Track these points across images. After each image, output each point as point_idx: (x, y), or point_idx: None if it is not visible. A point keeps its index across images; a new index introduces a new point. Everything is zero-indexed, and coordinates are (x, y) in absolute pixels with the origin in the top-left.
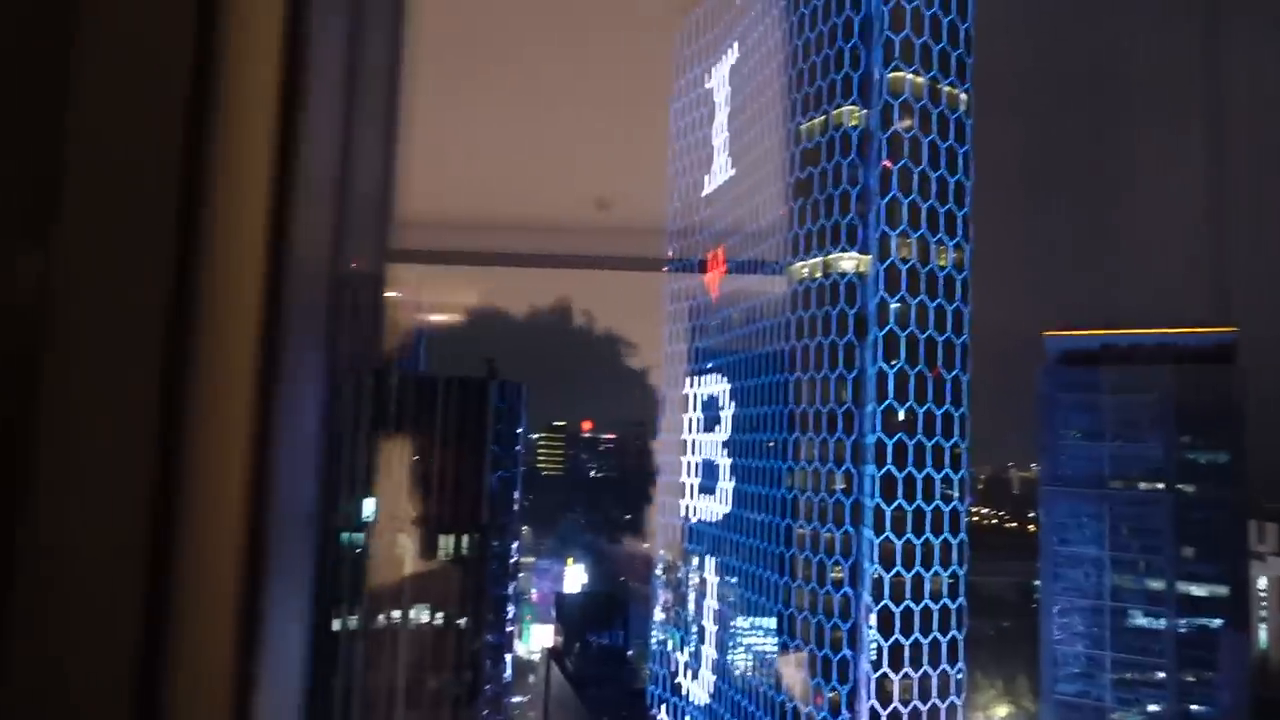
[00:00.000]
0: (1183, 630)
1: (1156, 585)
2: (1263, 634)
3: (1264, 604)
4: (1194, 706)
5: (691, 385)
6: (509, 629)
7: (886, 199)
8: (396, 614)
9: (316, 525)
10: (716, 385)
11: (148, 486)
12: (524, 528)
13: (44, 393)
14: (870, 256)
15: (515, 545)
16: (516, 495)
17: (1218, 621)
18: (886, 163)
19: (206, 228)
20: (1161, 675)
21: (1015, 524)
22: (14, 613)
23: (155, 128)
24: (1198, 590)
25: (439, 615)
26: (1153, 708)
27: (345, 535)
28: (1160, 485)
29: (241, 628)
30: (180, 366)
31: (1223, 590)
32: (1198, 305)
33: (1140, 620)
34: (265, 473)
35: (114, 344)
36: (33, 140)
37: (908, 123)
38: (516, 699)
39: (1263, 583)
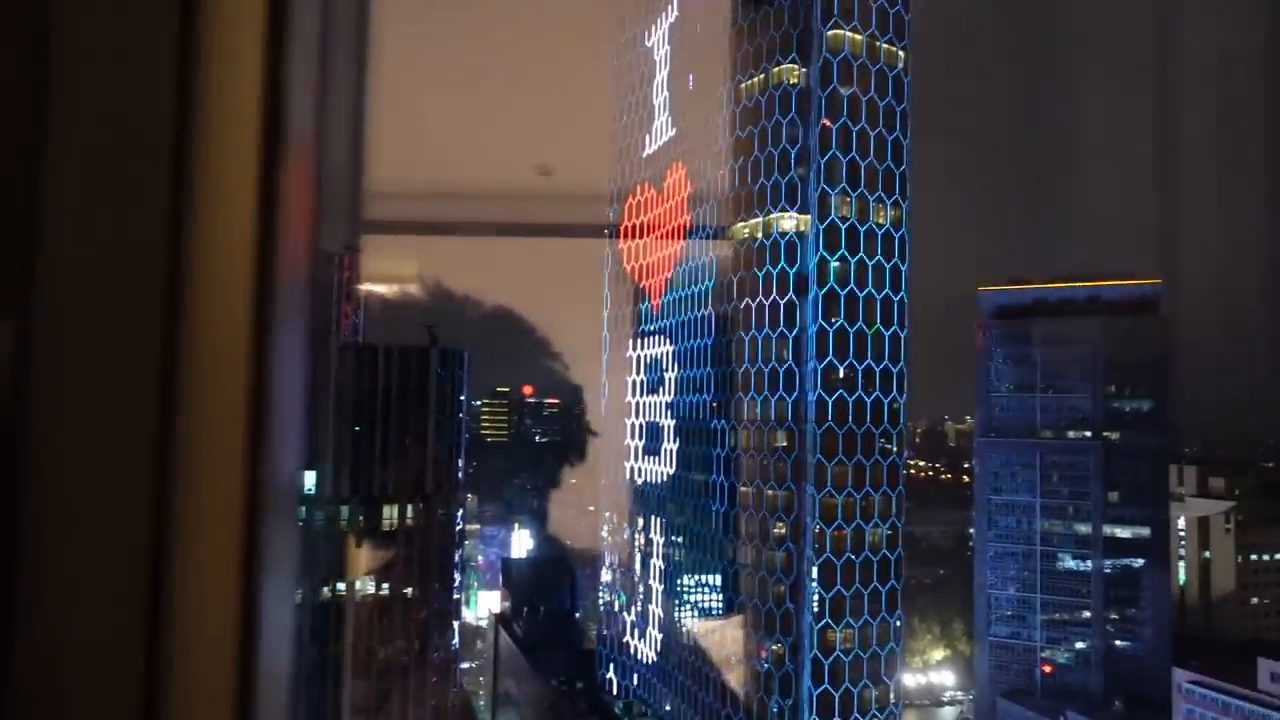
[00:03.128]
0: (1108, 571)
1: (1084, 529)
2: (1182, 571)
3: (1183, 543)
4: (1118, 642)
5: (635, 348)
6: (456, 596)
7: (826, 157)
8: (341, 586)
9: (299, 503)
10: (659, 347)
11: (147, 473)
12: (469, 495)
13: (35, 381)
14: (810, 215)
15: (460, 513)
16: (461, 463)
17: (1140, 561)
18: (826, 121)
19: (196, 204)
20: (1088, 615)
21: (951, 475)
22: (16, 611)
23: (143, 95)
24: (1122, 532)
25: (384, 585)
26: (1080, 645)
27: None
28: (1088, 433)
29: (242, 610)
30: (173, 351)
31: (1145, 532)
32: (1127, 258)
33: (1069, 563)
34: (260, 456)
35: (107, 328)
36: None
37: (847, 81)
38: (465, 665)
39: (1182, 523)
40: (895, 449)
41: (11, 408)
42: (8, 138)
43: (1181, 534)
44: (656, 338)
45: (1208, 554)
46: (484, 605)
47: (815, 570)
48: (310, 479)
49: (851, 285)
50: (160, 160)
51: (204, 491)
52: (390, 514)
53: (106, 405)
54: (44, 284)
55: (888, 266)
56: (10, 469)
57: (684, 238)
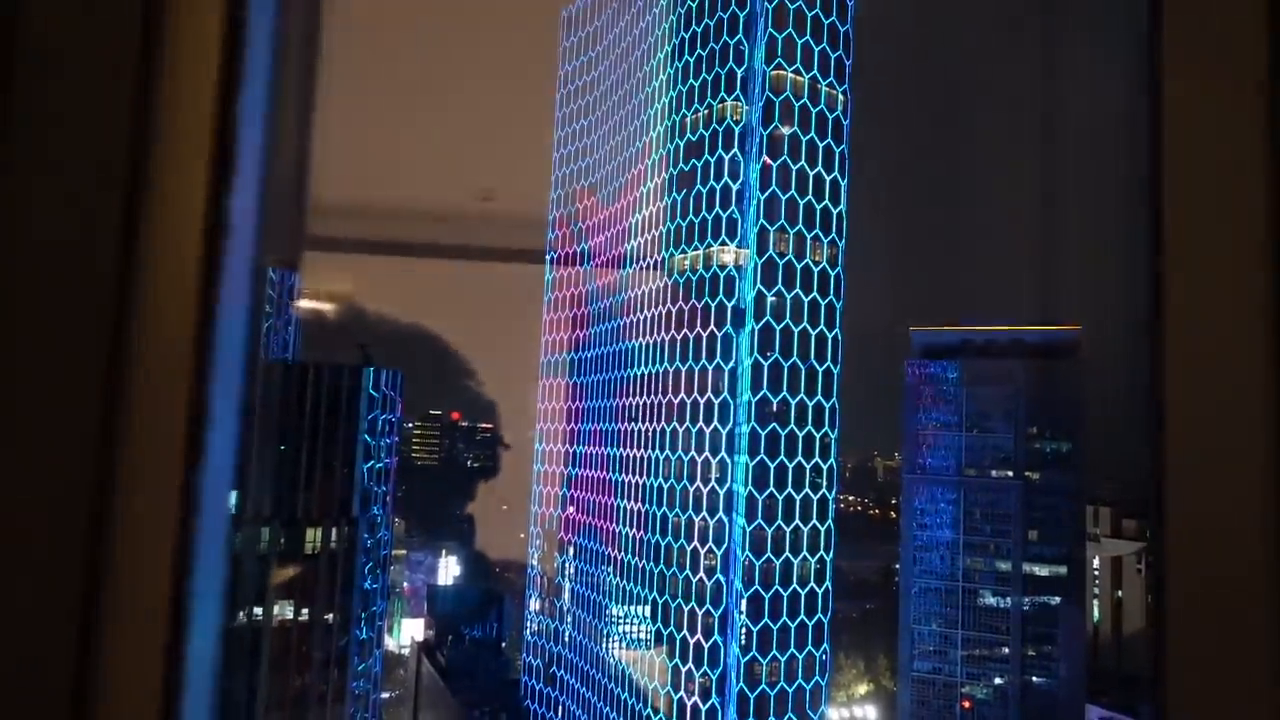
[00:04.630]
0: (1026, 608)
1: (1004, 566)
2: (1096, 609)
3: (1098, 581)
4: (1035, 678)
5: (570, 375)
6: (379, 623)
7: (766, 194)
8: (259, 611)
9: (230, 524)
10: (594, 375)
11: (86, 487)
12: (397, 519)
13: None
14: (749, 250)
15: (387, 537)
16: (389, 486)
17: (1057, 599)
18: (767, 159)
19: (148, 219)
20: (1006, 650)
21: (879, 511)
22: None
23: (103, 109)
24: (1040, 570)
25: (304, 611)
26: (998, 680)
27: None
28: (1010, 473)
29: (170, 631)
30: (120, 366)
31: (1062, 570)
32: (1044, 304)
33: (990, 599)
34: (194, 474)
35: (56, 337)
36: None
37: (788, 120)
38: (385, 695)
39: (1097, 562)
40: (825, 483)
41: None
42: None
43: (1096, 572)
44: (592, 365)
45: (1120, 593)
46: (407, 633)
47: (744, 602)
48: (231, 499)
49: (787, 320)
50: (115, 183)
51: (140, 509)
52: (313, 537)
53: (50, 418)
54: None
55: (823, 303)
56: None
57: (621, 267)
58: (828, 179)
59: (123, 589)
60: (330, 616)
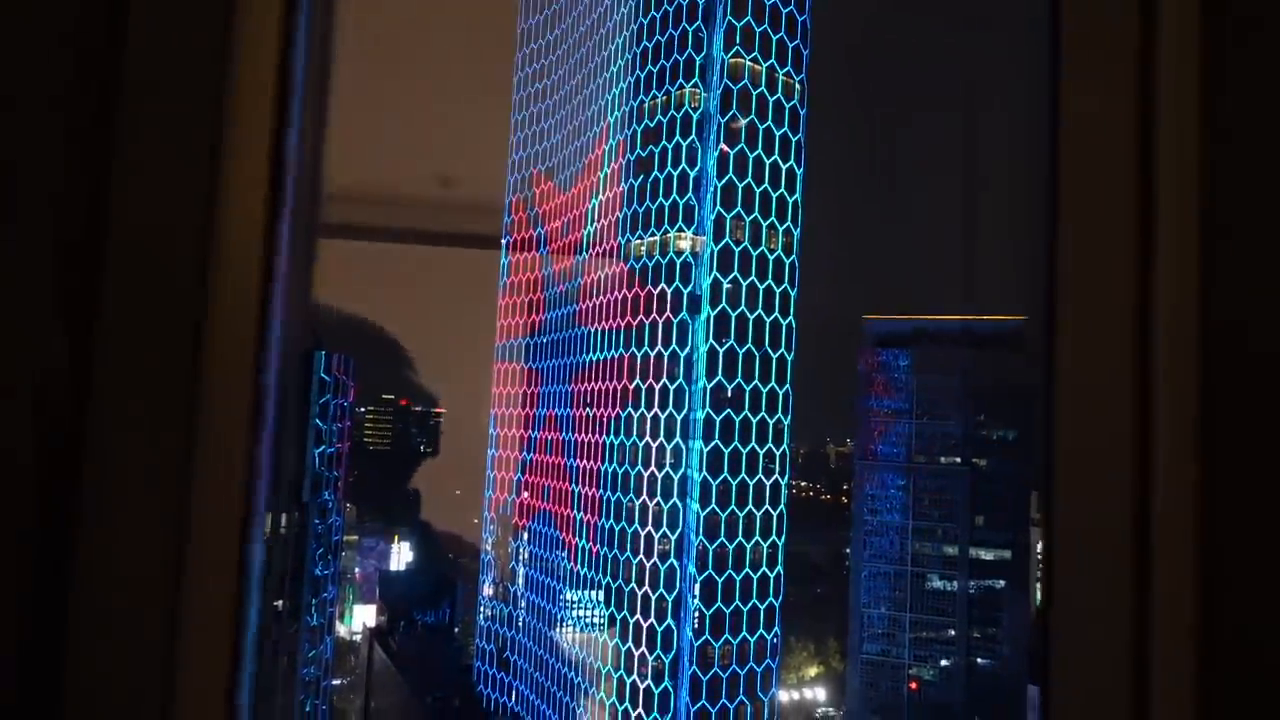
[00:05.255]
0: (972, 591)
1: (951, 551)
2: (1038, 593)
3: (1040, 566)
4: (979, 660)
5: (526, 360)
6: (330, 610)
7: (723, 181)
8: None
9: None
10: (550, 360)
11: (174, 503)
12: (348, 505)
13: (96, 393)
14: (705, 237)
15: (338, 523)
16: (341, 471)
17: (1002, 583)
18: (724, 146)
19: (219, 228)
20: (953, 633)
21: (830, 496)
22: (72, 626)
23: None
24: (986, 555)
25: None
26: (944, 662)
27: None
28: (958, 459)
29: (234, 641)
30: (198, 372)
31: (1006, 554)
32: (992, 294)
33: (937, 583)
34: (254, 475)
35: (149, 343)
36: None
37: (745, 108)
38: (337, 681)
39: (1040, 547)
40: (778, 469)
41: (70, 420)
42: (77, 153)
43: (1039, 557)
44: (547, 350)
45: None
46: (359, 619)
47: (697, 586)
48: None
49: (742, 307)
50: (199, 191)
51: (213, 504)
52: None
53: (146, 422)
54: (106, 300)
55: (778, 291)
56: (71, 477)
57: (578, 252)
58: (784, 167)
59: (205, 569)
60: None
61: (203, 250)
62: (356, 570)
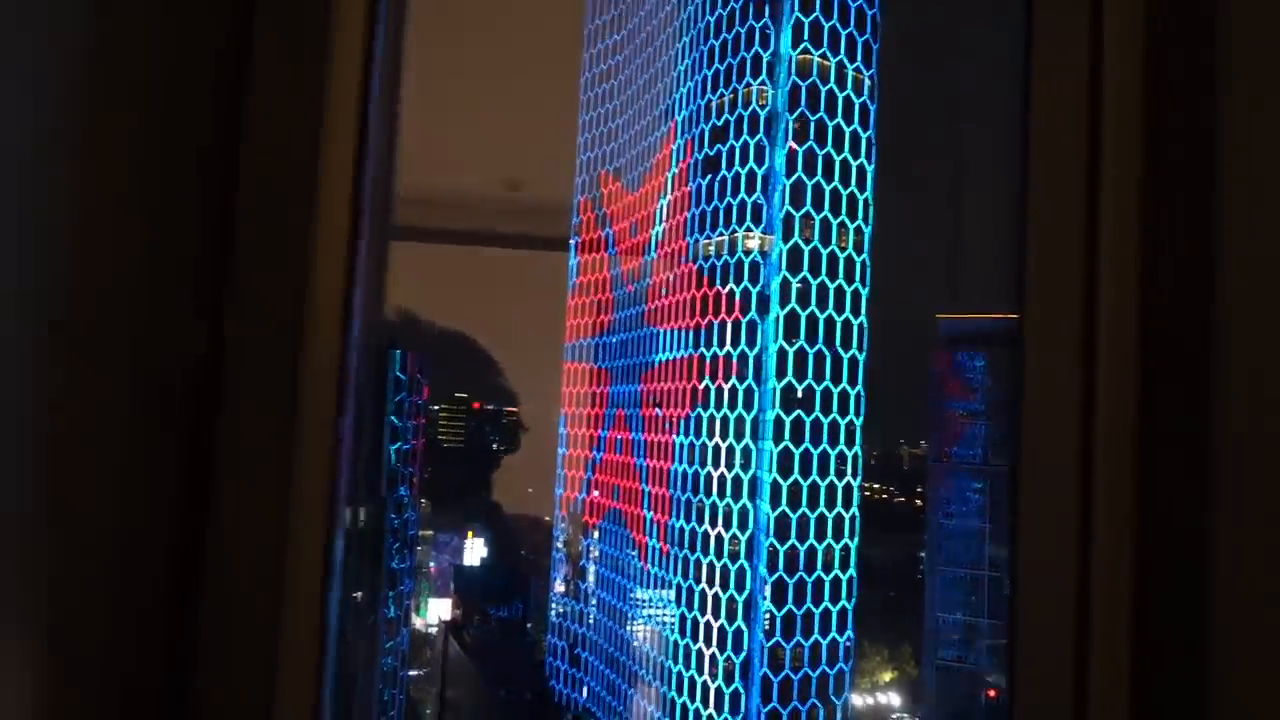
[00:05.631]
0: None
1: None
2: None
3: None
4: None
5: (595, 360)
6: (407, 603)
7: (791, 180)
8: None
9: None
10: (618, 360)
11: (284, 496)
12: (424, 501)
13: (226, 381)
14: (774, 236)
15: (414, 518)
16: (416, 468)
17: None
18: (792, 144)
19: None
20: None
21: (905, 499)
22: (205, 608)
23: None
24: None
25: None
26: None
27: None
28: None
29: (321, 622)
30: (296, 379)
31: None
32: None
33: None
34: (336, 471)
35: (276, 331)
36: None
37: (814, 105)
38: (413, 672)
39: None
40: (850, 470)
41: (205, 406)
42: (203, 141)
43: None
44: (616, 350)
45: None
46: (434, 613)
47: (768, 588)
48: None
49: (812, 307)
50: (303, 201)
51: (302, 496)
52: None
53: (261, 419)
54: (236, 287)
55: (848, 290)
56: (204, 466)
57: (645, 253)
58: (854, 164)
59: (299, 560)
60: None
61: (302, 253)
62: (432, 565)
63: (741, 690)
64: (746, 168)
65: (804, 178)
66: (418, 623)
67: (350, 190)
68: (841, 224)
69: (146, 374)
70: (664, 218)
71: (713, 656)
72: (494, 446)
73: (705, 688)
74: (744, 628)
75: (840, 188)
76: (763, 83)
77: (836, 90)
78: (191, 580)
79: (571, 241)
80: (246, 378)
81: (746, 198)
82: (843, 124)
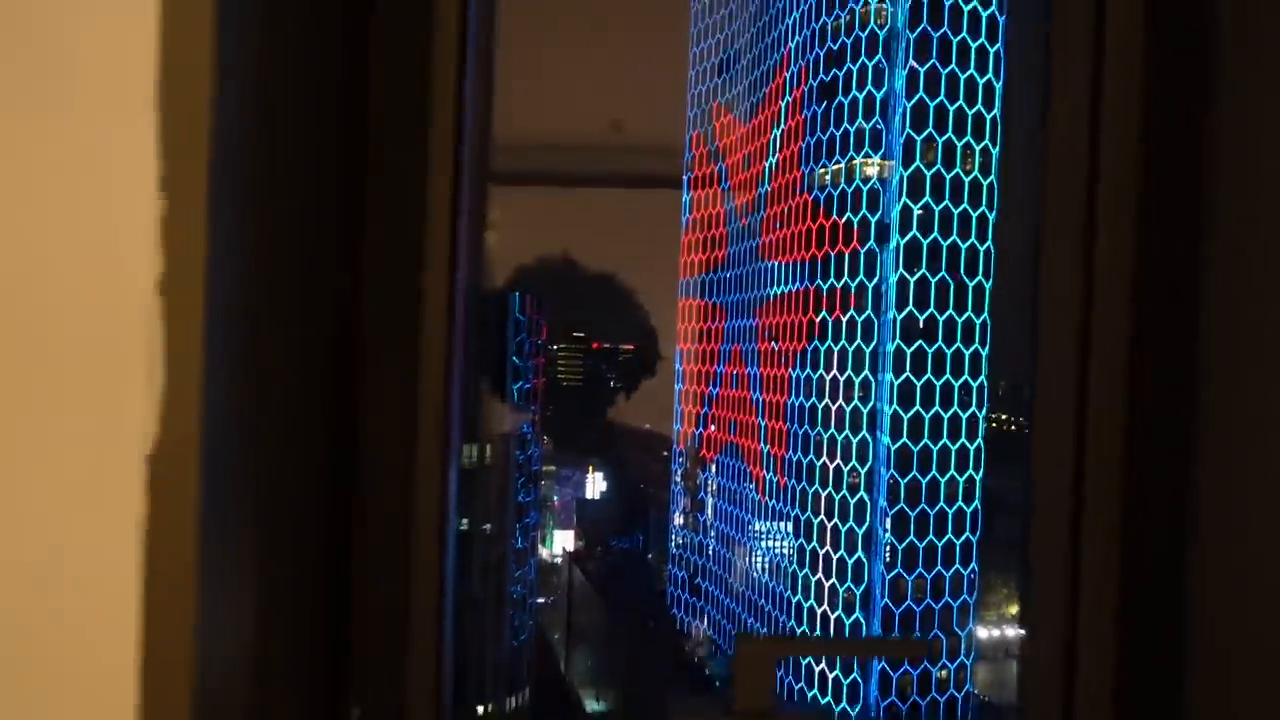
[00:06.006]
0: None
1: None
2: None
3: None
4: None
5: (708, 295)
6: (533, 534)
7: (913, 101)
8: None
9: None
10: (733, 295)
11: (412, 431)
12: (545, 437)
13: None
14: (894, 161)
15: (537, 454)
16: (537, 405)
17: None
18: (914, 64)
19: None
20: None
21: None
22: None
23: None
24: None
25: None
26: None
27: None
28: None
29: (441, 575)
30: (419, 318)
31: None
32: None
33: None
34: (450, 406)
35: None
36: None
37: (936, 21)
38: (540, 600)
39: None
40: (975, 401)
41: (348, 348)
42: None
43: None
44: (731, 285)
45: None
46: (559, 543)
47: (888, 520)
48: None
49: (935, 234)
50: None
51: (428, 445)
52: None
53: (395, 354)
54: (369, 238)
55: (974, 215)
56: (350, 403)
57: (759, 185)
58: (980, 81)
59: (423, 485)
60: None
61: (420, 201)
62: (555, 499)
63: (862, 621)
64: (865, 91)
65: (925, 99)
66: (544, 553)
67: (454, 137)
68: (966, 146)
69: (312, 316)
70: (778, 149)
71: (832, 587)
72: (611, 384)
73: (825, 618)
74: (864, 559)
75: (965, 107)
76: (881, 0)
77: (961, 3)
78: (344, 502)
79: (684, 177)
80: (380, 320)
81: (865, 123)
82: (968, 39)
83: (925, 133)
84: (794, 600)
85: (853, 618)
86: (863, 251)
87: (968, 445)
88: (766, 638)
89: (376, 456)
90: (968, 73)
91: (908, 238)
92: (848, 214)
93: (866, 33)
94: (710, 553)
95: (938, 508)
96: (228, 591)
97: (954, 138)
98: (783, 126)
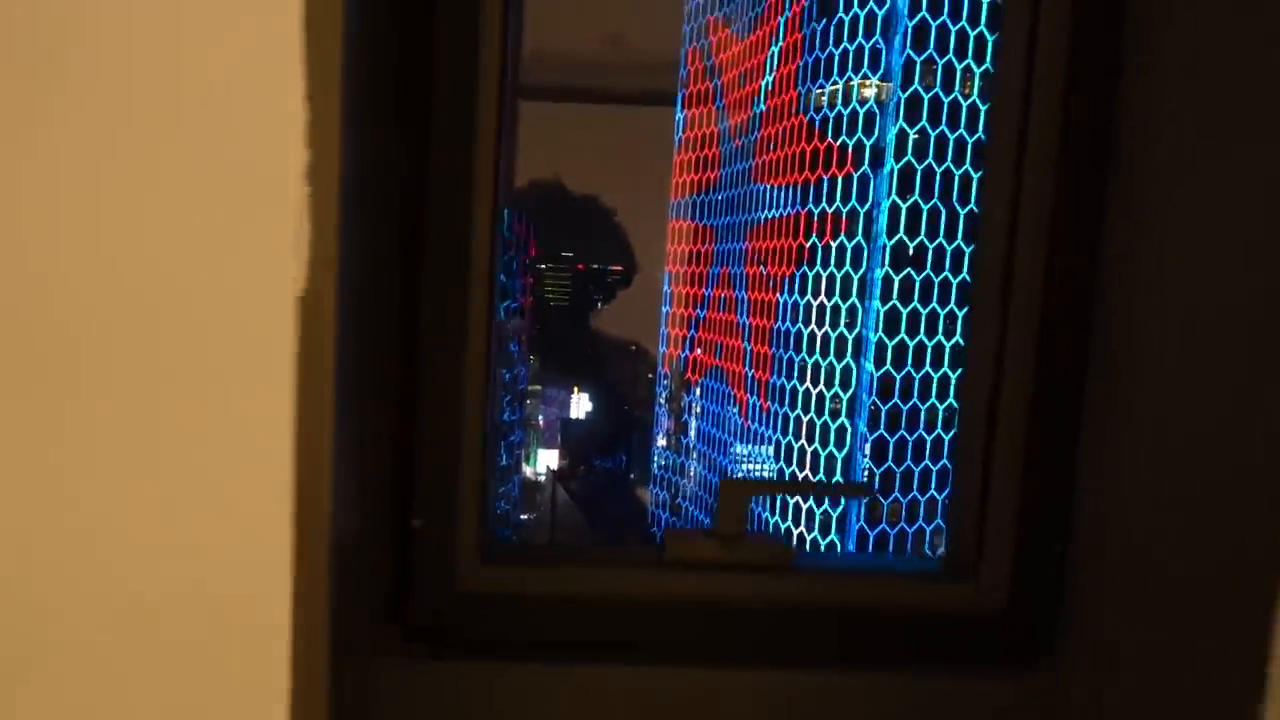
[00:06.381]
0: None
1: None
2: None
3: None
4: None
5: (698, 217)
6: (517, 452)
7: (914, 20)
8: None
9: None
10: (725, 217)
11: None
12: (531, 356)
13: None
14: (892, 84)
15: (523, 373)
16: (523, 324)
17: None
18: None
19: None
20: None
21: None
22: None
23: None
24: None
25: None
26: None
27: None
28: None
29: (484, 410)
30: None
31: None
32: None
33: None
34: (493, 309)
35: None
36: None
37: None
38: (524, 516)
39: None
40: (961, 329)
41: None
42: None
43: None
44: (722, 207)
45: None
46: (543, 462)
47: (867, 446)
48: None
49: (929, 160)
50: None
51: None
52: None
53: (454, 260)
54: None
55: (970, 140)
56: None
57: (754, 105)
58: (985, 1)
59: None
60: None
61: (469, 116)
62: (540, 418)
63: (837, 542)
64: (866, 9)
65: (928, 18)
66: (528, 471)
67: (501, 54)
68: (966, 68)
69: (385, 229)
70: (774, 67)
71: (809, 510)
72: (598, 304)
73: (802, 539)
74: (842, 482)
75: (968, 27)
76: None
77: None
78: (412, 381)
79: (678, 94)
80: (439, 220)
81: (864, 42)
82: None
83: (925, 54)
84: (772, 522)
85: (828, 539)
86: (856, 176)
87: (949, 374)
88: (742, 479)
89: (437, 309)
90: None
91: (902, 163)
92: (843, 137)
93: None
94: (692, 474)
95: (916, 434)
96: (348, 432)
97: (954, 59)
98: (780, 43)
